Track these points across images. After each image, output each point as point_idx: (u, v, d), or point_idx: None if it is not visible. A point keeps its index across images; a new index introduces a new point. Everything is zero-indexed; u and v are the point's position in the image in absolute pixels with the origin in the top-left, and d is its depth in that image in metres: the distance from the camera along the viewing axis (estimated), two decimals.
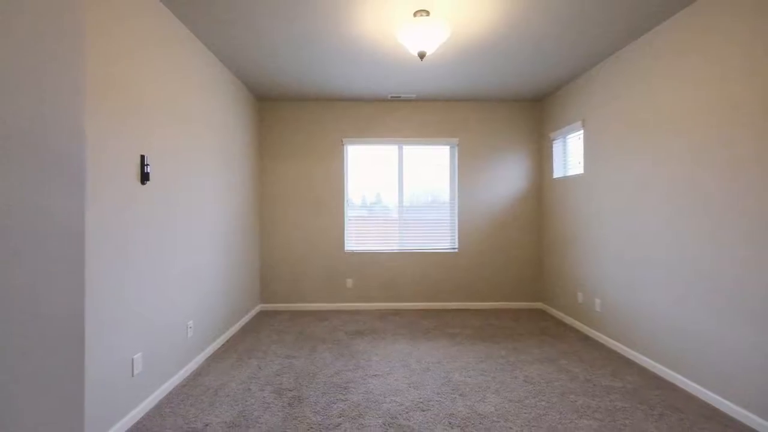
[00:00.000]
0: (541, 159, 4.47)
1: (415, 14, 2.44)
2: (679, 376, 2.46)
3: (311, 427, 2.01)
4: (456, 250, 4.49)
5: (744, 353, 2.04)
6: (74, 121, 0.58)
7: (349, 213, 4.54)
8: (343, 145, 4.46)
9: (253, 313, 4.19)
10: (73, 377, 0.57)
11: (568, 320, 3.87)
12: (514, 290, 4.49)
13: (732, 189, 2.11)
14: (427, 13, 2.42)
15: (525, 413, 2.14)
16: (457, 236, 4.50)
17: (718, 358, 2.20)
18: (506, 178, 4.50)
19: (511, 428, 2.00)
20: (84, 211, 0.59)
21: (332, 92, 4.13)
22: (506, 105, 4.50)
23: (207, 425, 2.04)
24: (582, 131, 3.64)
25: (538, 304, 4.49)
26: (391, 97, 4.28)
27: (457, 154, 4.50)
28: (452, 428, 2.00)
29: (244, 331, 3.68)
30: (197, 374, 2.69)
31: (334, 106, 4.45)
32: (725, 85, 2.16)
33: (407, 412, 2.16)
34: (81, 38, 0.59)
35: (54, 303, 0.56)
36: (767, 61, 1.93)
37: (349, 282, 4.46)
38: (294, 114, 4.44)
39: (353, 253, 4.48)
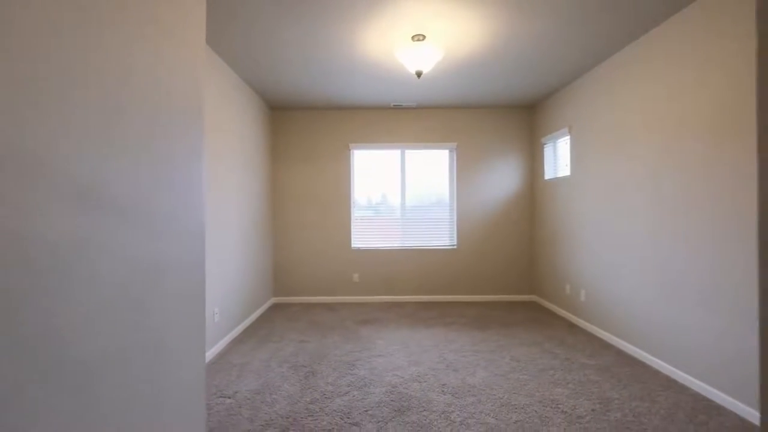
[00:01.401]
0: (534, 162, 4.79)
1: (412, 38, 2.79)
2: (648, 355, 2.79)
3: (324, 394, 2.37)
4: (455, 247, 4.83)
5: (698, 333, 2.37)
6: (199, 206, 0.93)
7: (355, 213, 4.90)
8: (349, 150, 4.82)
9: (267, 305, 4.57)
10: (197, 327, 0.92)
11: (557, 310, 4.19)
12: (508, 284, 4.82)
13: (690, 189, 2.44)
14: (424, 37, 2.77)
15: (508, 384, 2.48)
16: (455, 234, 4.84)
17: (678, 338, 2.52)
18: (501, 180, 4.83)
19: (495, 394, 2.34)
20: (204, 254, 0.93)
21: (339, 101, 4.50)
22: (501, 111, 4.83)
23: (236, 392, 2.41)
24: (569, 137, 3.96)
25: (531, 297, 4.81)
26: (394, 105, 4.64)
27: (455, 158, 4.84)
28: (444, 395, 2.35)
29: (261, 320, 4.06)
30: (223, 354, 3.06)
31: (341, 114, 4.81)
32: (682, 97, 2.48)
33: (406, 383, 2.51)
34: (200, 133, 0.93)
35: (186, 299, 0.91)
36: (715, 79, 2.26)
37: (356, 276, 4.82)
38: (304, 121, 4.82)
39: (359, 250, 4.83)
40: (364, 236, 4.90)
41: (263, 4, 2.41)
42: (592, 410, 2.15)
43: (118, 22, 0.63)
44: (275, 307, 4.58)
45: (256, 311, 4.18)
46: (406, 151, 4.89)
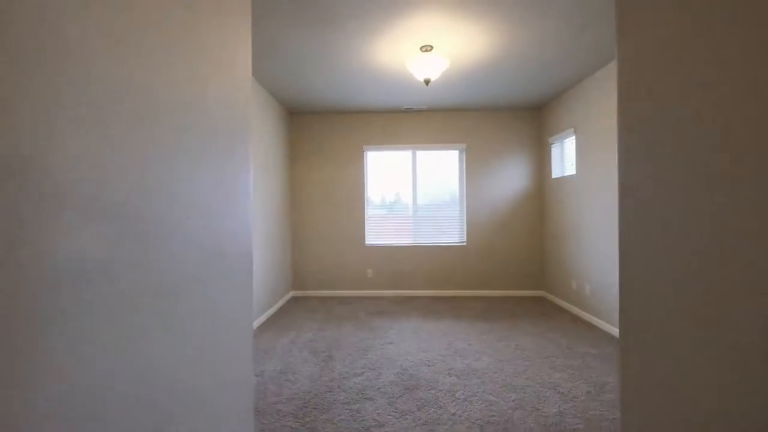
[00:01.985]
0: (542, 161, 4.93)
1: (420, 49, 3.01)
2: None
3: (341, 374, 2.62)
4: (464, 244, 5.02)
5: None
6: (246, 207, 1.17)
7: (369, 211, 5.15)
8: (363, 151, 5.07)
9: (286, 298, 4.86)
10: (246, 301, 1.16)
11: (565, 305, 4.33)
12: (517, 279, 4.98)
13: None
14: (431, 48, 2.98)
15: (511, 368, 2.68)
16: (465, 231, 5.03)
17: None
18: (510, 179, 4.99)
19: (497, 377, 2.54)
20: (251, 245, 1.17)
21: (354, 106, 4.74)
22: (509, 113, 4.99)
23: (263, 372, 2.68)
24: (574, 137, 4.10)
25: (540, 292, 4.96)
26: (405, 108, 4.86)
27: (465, 158, 5.03)
28: (450, 377, 2.56)
29: (280, 311, 4.34)
30: None
31: (355, 117, 5.06)
32: None
33: (416, 367, 2.73)
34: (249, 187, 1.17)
35: (238, 282, 1.15)
36: None
37: (369, 272, 5.06)
38: (320, 125, 5.08)
39: (373, 247, 5.07)
40: (378, 233, 5.13)
41: (285, 21, 2.68)
42: (587, 392, 2.33)
43: (189, 60, 0.88)
44: (293, 300, 4.87)
45: (277, 303, 4.47)
46: (418, 152, 5.10)
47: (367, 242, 5.09)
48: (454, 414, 2.09)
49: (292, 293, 5.10)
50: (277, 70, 3.57)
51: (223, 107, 1.02)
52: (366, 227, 5.10)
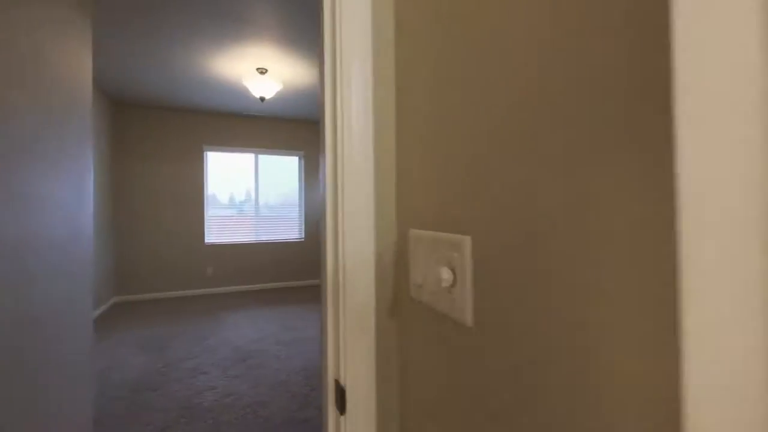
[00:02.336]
0: None
1: (257, 70, 3.47)
2: None
3: (177, 360, 2.86)
4: (303, 239, 5.65)
5: None
6: (88, 202, 1.45)
7: (211, 210, 5.22)
8: (203, 151, 5.11)
9: (107, 305, 4.49)
10: (85, 284, 1.45)
11: None
12: None
13: None
14: (266, 70, 3.48)
15: None
16: (303, 228, 5.66)
17: None
18: None
19: (317, 341, 3.25)
20: (91, 237, 1.46)
21: (192, 105, 4.77)
22: None
23: None
24: None
25: None
26: (246, 114, 5.16)
27: (303, 164, 5.66)
28: (278, 346, 3.13)
29: (101, 318, 4.06)
30: None
31: (194, 116, 5.05)
32: None
33: (250, 343, 3.20)
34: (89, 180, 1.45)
35: (78, 269, 1.44)
36: None
37: (209, 270, 5.14)
38: (154, 120, 4.87)
39: (213, 245, 5.17)
40: (219, 232, 5.26)
41: (118, 22, 2.74)
42: None
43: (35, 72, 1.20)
44: (117, 306, 4.55)
45: (97, 309, 4.13)
46: (260, 156, 5.46)
47: (206, 241, 5.16)
48: (277, 369, 2.68)
49: (115, 299, 4.72)
50: (100, 61, 3.41)
51: (66, 111, 1.33)
52: (206, 226, 5.16)
